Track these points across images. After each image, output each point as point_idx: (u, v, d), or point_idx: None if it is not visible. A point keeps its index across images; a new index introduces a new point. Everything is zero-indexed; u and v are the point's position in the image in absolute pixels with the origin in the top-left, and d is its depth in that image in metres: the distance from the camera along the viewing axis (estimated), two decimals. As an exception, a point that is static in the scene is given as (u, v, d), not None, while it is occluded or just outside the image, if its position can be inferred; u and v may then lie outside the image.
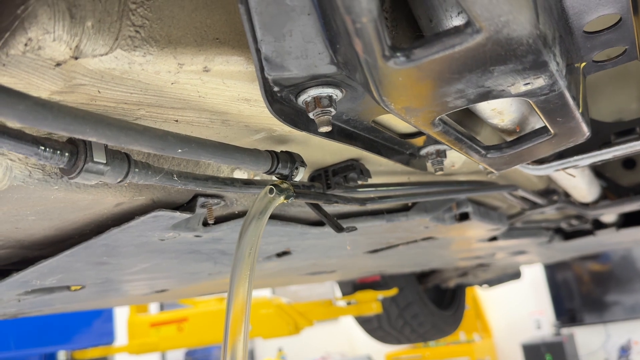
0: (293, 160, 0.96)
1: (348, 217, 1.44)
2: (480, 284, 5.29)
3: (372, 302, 3.98)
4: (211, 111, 0.81)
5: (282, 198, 0.94)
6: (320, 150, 1.13)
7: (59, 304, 1.67)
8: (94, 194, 0.87)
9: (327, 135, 0.87)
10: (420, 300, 4.53)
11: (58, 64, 0.62)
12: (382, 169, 1.29)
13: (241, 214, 1.18)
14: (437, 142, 1.11)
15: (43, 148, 0.68)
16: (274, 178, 1.01)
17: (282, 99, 0.77)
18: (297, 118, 0.81)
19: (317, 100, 0.76)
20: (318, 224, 1.40)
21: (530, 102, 0.74)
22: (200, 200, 1.05)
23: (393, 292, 4.08)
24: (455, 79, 0.62)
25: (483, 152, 0.97)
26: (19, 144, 0.66)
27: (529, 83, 0.66)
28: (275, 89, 0.74)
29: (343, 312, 4.04)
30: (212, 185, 0.92)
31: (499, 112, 0.91)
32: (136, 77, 0.67)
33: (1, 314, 1.64)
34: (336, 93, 0.77)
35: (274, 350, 9.19)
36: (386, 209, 1.51)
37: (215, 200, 1.08)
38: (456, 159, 1.27)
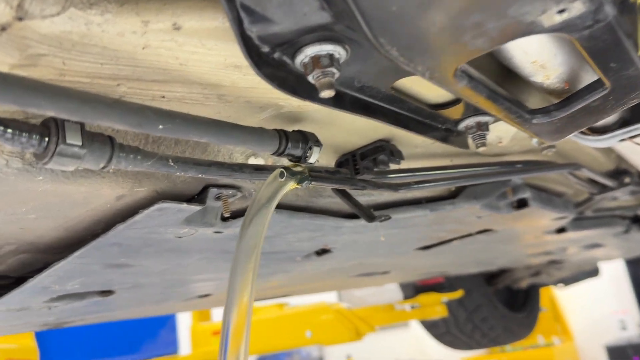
0: (305, 139, 0.85)
1: (386, 208, 1.32)
2: (555, 284, 4.96)
3: (436, 305, 3.79)
4: (200, 83, 0.72)
5: (293, 183, 0.83)
6: (346, 131, 1.02)
7: (98, 312, 1.64)
8: (86, 185, 0.80)
9: (336, 104, 0.76)
10: (489, 302, 4.30)
11: (3, 28, 0.54)
12: (420, 151, 1.16)
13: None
14: (476, 112, 0.97)
15: (7, 130, 0.61)
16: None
17: (275, 62, 0.67)
18: (298, 85, 0.70)
19: (315, 60, 0.65)
20: (353, 216, 1.28)
21: (574, 40, 0.60)
22: (213, 191, 0.96)
23: (458, 294, 3.87)
24: (468, 7, 0.50)
25: (527, 116, 0.82)
26: (-23, 127, 0.59)
27: (564, 9, 0.52)
28: (264, 48, 0.64)
29: (405, 317, 3.87)
30: (217, 172, 0.82)
31: (542, 65, 0.76)
32: (100, 42, 0.59)
33: (42, 323, 1.62)
34: (338, 51, 0.66)
35: (343, 357, 9.05)
36: (429, 197, 1.37)
37: (230, 191, 0.99)
38: (503, 134, 1.12)
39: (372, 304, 4.25)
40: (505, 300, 4.70)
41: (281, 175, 0.83)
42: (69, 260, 1.01)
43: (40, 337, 3.19)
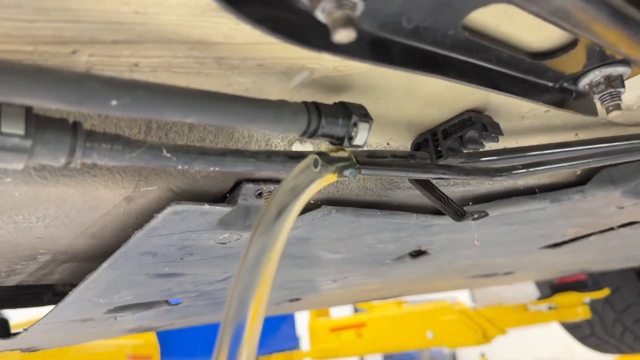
0: (348, 113, 0.63)
1: (490, 200, 1.04)
2: None
3: (576, 306, 3.32)
4: (182, 42, 0.52)
5: (330, 174, 0.60)
6: (420, 101, 0.77)
7: (182, 318, 1.54)
8: (74, 187, 0.64)
9: (379, 57, 0.53)
10: (643, 301, 3.70)
11: None
12: (528, 123, 0.88)
13: (318, 203, 0.87)
14: (604, 61, 0.67)
15: None
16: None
17: (272, 0, 0.45)
18: (308, 30, 0.48)
19: (322, -12, 0.43)
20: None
21: None
22: (248, 187, 0.77)
23: (603, 293, 3.35)
24: None
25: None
26: None
27: None
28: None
29: (540, 319, 3.43)
30: (234, 163, 0.63)
31: None
32: (5, -14, 0.42)
33: (127, 329, 1.56)
34: (358, -32, 0.43)
35: (476, 355, 8.56)
36: (547, 185, 1.06)
37: (273, 187, 0.79)
38: (648, 93, 0.80)
39: (508, 298, 3.86)
40: (664, 299, 4.04)
41: (315, 163, 0.61)
42: (100, 271, 0.88)
43: (161, 332, 3.27)
